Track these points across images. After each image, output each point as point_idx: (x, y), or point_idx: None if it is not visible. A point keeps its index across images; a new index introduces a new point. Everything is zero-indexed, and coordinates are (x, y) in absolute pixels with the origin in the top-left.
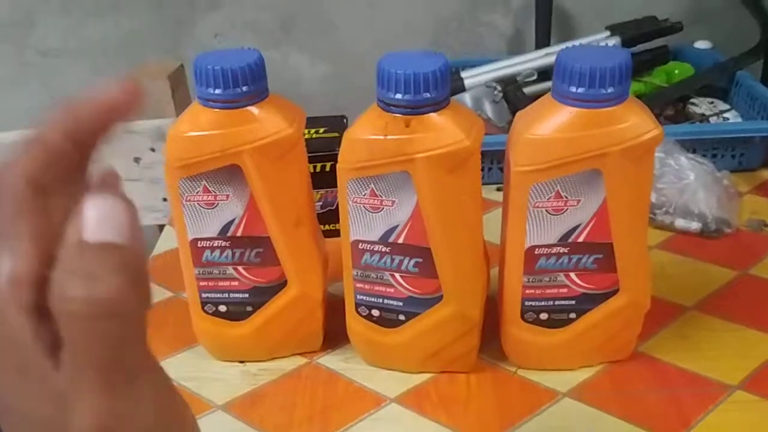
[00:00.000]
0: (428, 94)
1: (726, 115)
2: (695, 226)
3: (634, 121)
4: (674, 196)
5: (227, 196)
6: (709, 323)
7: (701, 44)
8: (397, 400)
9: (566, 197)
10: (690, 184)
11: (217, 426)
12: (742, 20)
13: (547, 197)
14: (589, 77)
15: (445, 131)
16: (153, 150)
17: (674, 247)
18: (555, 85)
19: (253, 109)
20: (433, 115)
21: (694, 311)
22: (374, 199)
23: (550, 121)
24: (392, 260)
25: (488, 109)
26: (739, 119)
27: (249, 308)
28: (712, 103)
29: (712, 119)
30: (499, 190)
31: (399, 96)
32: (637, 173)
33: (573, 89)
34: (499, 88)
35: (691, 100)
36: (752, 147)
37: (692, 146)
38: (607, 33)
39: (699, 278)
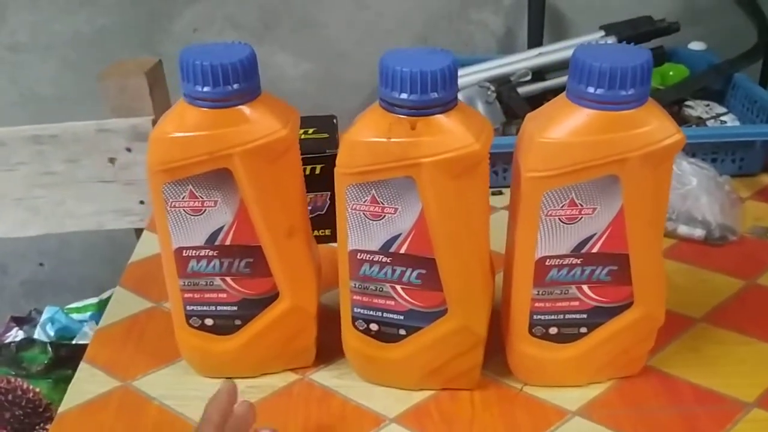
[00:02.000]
0: (435, 94)
1: (723, 118)
2: (699, 233)
3: (655, 125)
4: (677, 202)
5: (215, 202)
6: (721, 336)
7: (695, 45)
8: (396, 419)
9: (581, 205)
10: (692, 190)
11: None
12: (737, 21)
13: (560, 205)
14: (609, 77)
15: (453, 134)
16: (129, 150)
17: (678, 256)
18: (571, 85)
19: (245, 109)
20: (440, 116)
21: (704, 323)
22: (375, 207)
23: (564, 124)
24: (393, 271)
25: (481, 109)
26: (737, 122)
27: (237, 321)
28: (708, 105)
29: (710, 123)
30: (494, 194)
31: (404, 96)
32: (656, 180)
33: (591, 90)
34: (493, 88)
35: (687, 103)
36: (753, 151)
37: (691, 150)
38: (602, 33)
39: (706, 288)
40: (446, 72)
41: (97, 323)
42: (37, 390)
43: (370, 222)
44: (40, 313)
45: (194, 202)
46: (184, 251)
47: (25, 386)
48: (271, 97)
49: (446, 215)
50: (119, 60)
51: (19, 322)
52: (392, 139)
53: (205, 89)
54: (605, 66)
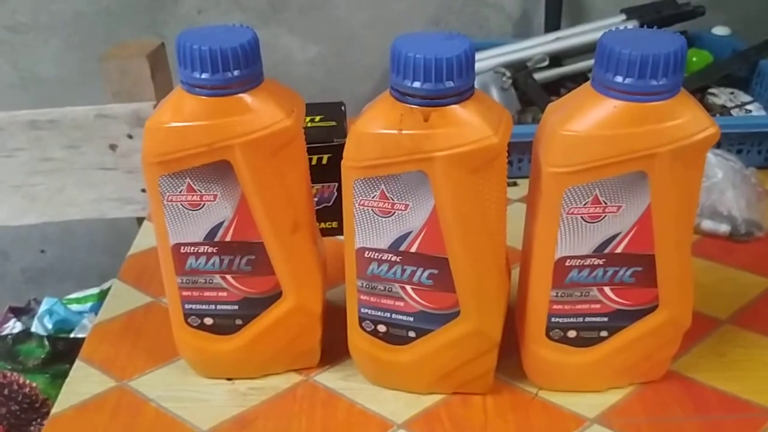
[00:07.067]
0: (451, 83)
1: (748, 107)
2: (724, 228)
3: (688, 118)
4: (701, 196)
5: (215, 196)
6: (747, 339)
7: (720, 30)
8: (405, 425)
9: (605, 203)
10: (718, 183)
11: None
12: (764, 6)
13: (583, 203)
14: (640, 66)
15: (469, 126)
16: (130, 137)
17: (702, 252)
18: (597, 74)
19: (246, 97)
20: (455, 107)
21: (729, 325)
22: (384, 203)
23: (589, 116)
24: (403, 271)
25: (496, 96)
26: (762, 111)
27: (238, 321)
28: (732, 93)
29: (734, 111)
30: (508, 185)
31: (417, 84)
32: (687, 177)
33: (619, 79)
34: (509, 74)
35: (710, 91)
36: None
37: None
38: (623, 17)
39: (731, 287)
40: (462, 59)
41: (96, 315)
42: (34, 385)
43: (379, 219)
44: (39, 302)
45: (192, 196)
46: (182, 248)
47: (21, 381)
48: (275, 83)
49: (460, 212)
50: (122, 41)
51: (17, 312)
52: (403, 131)
53: (204, 76)
54: (635, 53)
